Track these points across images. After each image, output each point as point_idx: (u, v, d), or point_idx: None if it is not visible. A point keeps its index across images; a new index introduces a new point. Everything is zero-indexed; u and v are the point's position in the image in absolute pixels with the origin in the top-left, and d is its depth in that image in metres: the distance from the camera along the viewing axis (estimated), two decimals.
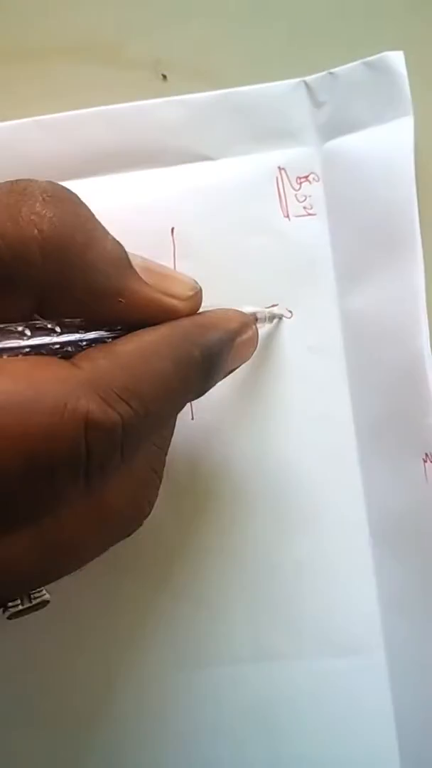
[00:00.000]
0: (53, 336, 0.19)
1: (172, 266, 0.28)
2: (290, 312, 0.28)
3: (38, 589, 0.20)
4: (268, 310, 0.27)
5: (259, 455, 0.28)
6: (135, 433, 0.19)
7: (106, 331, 0.20)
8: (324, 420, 0.28)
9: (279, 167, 0.28)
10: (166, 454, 0.23)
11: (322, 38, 0.29)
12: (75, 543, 0.19)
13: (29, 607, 0.20)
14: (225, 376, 0.23)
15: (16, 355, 0.19)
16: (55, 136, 0.28)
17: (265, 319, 0.27)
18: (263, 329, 0.27)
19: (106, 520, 0.20)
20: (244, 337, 0.23)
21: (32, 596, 0.20)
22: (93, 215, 0.20)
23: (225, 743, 0.27)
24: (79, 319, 0.20)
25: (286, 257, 0.28)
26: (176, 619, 0.27)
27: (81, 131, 0.28)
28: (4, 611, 0.20)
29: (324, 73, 0.28)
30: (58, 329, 0.20)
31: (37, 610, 0.20)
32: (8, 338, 0.19)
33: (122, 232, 0.28)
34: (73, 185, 0.27)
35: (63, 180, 0.28)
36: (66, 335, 0.20)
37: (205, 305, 0.23)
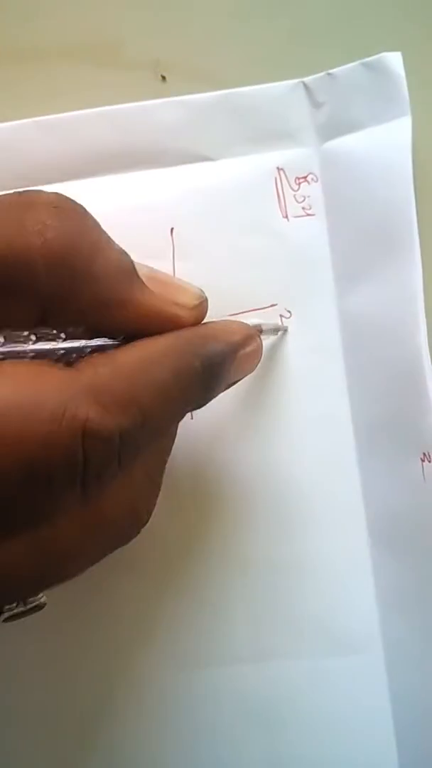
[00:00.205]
0: (58, 341, 0.19)
1: (171, 266, 0.28)
2: (289, 312, 0.28)
3: None
4: (273, 322, 0.27)
5: (257, 455, 0.28)
6: (133, 442, 0.19)
7: (111, 338, 0.20)
8: (322, 420, 0.28)
9: (278, 168, 0.28)
10: (165, 462, 0.23)
11: (320, 39, 0.29)
12: (72, 550, 0.19)
13: (25, 611, 0.20)
14: (227, 388, 0.23)
15: (20, 360, 0.19)
16: (55, 136, 0.28)
17: (270, 331, 0.27)
18: (267, 341, 0.27)
19: (103, 528, 0.20)
20: (248, 349, 0.23)
21: (28, 600, 0.20)
22: (99, 226, 0.20)
23: (224, 742, 0.27)
24: (83, 328, 0.20)
25: (285, 258, 0.28)
26: (176, 619, 0.27)
27: (80, 132, 0.28)
28: None
29: (322, 73, 0.28)
30: (63, 335, 0.20)
31: (32, 613, 0.20)
32: (13, 342, 0.19)
33: (122, 233, 0.28)
34: (72, 186, 0.28)
35: (62, 181, 0.28)
36: (70, 342, 0.20)
37: (210, 315, 0.23)
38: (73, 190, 0.28)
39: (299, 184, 0.28)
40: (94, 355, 0.20)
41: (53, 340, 0.19)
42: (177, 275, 0.28)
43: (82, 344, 0.20)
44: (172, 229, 0.28)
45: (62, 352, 0.19)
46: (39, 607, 0.20)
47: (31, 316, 0.19)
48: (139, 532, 0.22)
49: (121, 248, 0.21)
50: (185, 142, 0.28)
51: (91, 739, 0.27)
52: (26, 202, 0.19)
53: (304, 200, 0.28)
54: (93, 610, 0.27)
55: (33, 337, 0.19)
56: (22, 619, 0.21)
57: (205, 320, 0.23)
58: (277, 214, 0.28)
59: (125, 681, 0.27)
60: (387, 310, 0.27)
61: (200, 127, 0.28)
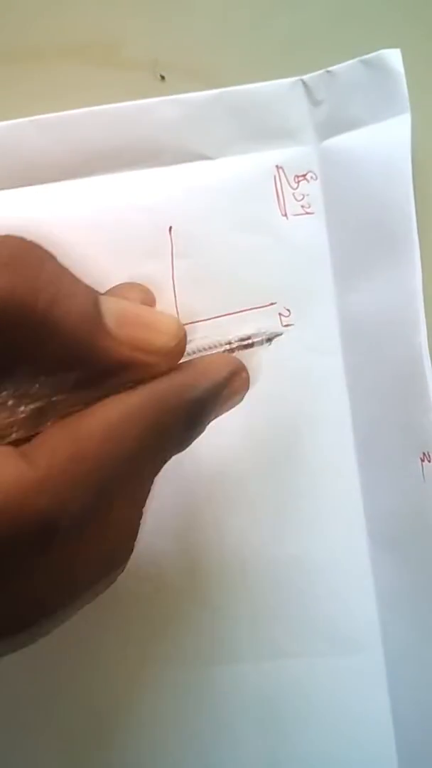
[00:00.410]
0: (21, 405, 0.19)
1: (170, 265, 0.28)
2: (288, 310, 0.28)
3: None
4: (265, 331, 0.25)
5: (255, 454, 0.28)
6: (99, 517, 0.19)
7: (81, 388, 0.19)
8: (322, 419, 0.28)
9: (277, 166, 0.28)
10: (142, 509, 0.21)
11: (319, 36, 0.29)
12: (47, 605, 0.19)
13: None
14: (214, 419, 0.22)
15: None
16: (52, 135, 0.28)
17: (262, 342, 0.25)
18: (262, 352, 0.26)
19: (76, 585, 0.19)
20: (233, 386, 0.22)
21: None
22: (60, 269, 0.19)
23: (224, 740, 0.27)
24: (52, 378, 0.19)
25: (284, 256, 0.28)
26: (177, 619, 0.27)
27: (78, 131, 0.28)
28: None
29: (321, 71, 0.28)
30: (37, 384, 0.19)
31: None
32: None
33: (120, 232, 0.28)
34: (70, 185, 0.28)
35: (60, 180, 0.28)
36: (35, 402, 0.19)
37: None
38: (71, 189, 0.28)
39: (298, 182, 0.28)
40: (56, 425, 0.19)
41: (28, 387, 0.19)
42: (176, 274, 0.28)
43: (47, 397, 0.19)
44: (170, 228, 0.28)
45: (23, 416, 0.19)
46: None
47: None
48: (115, 581, 0.21)
49: (85, 288, 0.19)
50: (183, 141, 0.28)
51: (90, 738, 0.27)
52: None
53: (303, 198, 0.28)
54: (92, 608, 0.27)
55: None
56: None
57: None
58: (277, 212, 0.28)
59: (126, 680, 0.27)
60: (386, 307, 0.27)
61: (199, 126, 0.28)
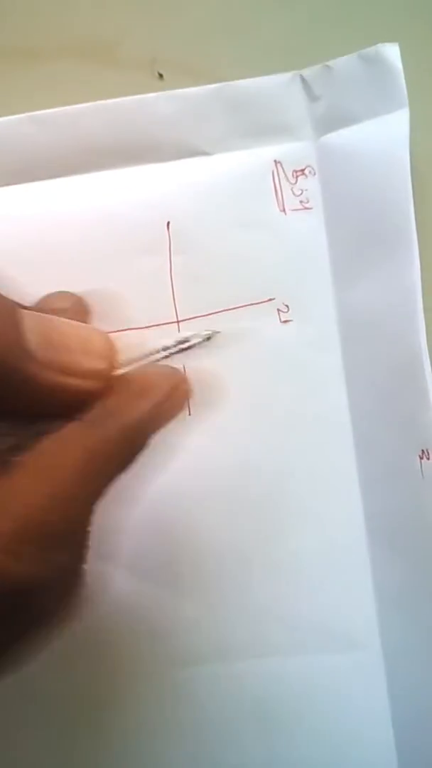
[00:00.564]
0: None
1: (167, 261, 0.28)
2: (286, 306, 0.28)
3: None
4: (202, 332, 0.23)
5: (255, 451, 0.27)
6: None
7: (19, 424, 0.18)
8: (320, 416, 0.27)
9: (275, 161, 0.28)
10: (87, 544, 0.20)
11: (317, 31, 0.29)
12: None
13: None
14: None
15: None
16: (50, 131, 0.28)
17: (200, 342, 0.23)
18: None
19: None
20: (175, 400, 0.20)
21: None
22: None
23: (222, 738, 0.27)
24: None
25: (282, 251, 0.28)
26: (174, 616, 0.27)
27: (75, 126, 0.28)
28: None
29: (319, 66, 0.28)
30: None
31: None
32: None
33: (118, 228, 0.28)
34: (68, 181, 0.28)
35: (57, 176, 0.28)
36: None
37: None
38: (69, 185, 0.28)
39: (297, 177, 0.28)
40: None
41: None
42: (174, 270, 0.28)
43: None
44: (168, 224, 0.28)
45: None
46: None
47: None
48: (68, 623, 0.20)
49: (6, 307, 0.17)
50: (182, 136, 0.28)
51: (90, 737, 0.27)
52: None
53: (301, 194, 0.28)
54: (92, 610, 0.27)
55: None
56: None
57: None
58: (275, 207, 0.28)
59: (123, 678, 0.27)
60: (385, 303, 0.27)
61: (196, 121, 0.28)
